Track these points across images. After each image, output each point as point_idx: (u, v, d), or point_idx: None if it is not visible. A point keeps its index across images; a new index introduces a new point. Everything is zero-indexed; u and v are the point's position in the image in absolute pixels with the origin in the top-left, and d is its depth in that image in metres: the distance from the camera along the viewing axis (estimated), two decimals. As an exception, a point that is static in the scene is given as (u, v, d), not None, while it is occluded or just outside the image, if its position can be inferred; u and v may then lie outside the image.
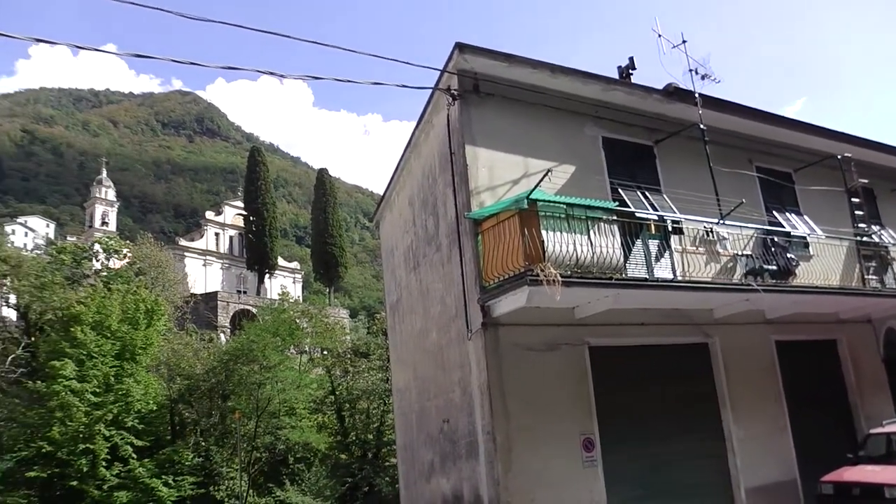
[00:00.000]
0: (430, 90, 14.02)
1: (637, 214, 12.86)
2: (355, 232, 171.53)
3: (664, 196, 14.16)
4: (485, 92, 13.15)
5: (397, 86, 12.72)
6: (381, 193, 21.05)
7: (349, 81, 12.31)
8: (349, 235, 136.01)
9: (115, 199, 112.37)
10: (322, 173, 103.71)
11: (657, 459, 12.86)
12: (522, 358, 11.93)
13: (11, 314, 46.91)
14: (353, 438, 35.81)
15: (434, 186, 14.95)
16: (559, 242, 11.01)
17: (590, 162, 13.83)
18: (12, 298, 44.20)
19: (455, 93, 13.08)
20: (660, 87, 14.53)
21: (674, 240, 13.78)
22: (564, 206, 11.37)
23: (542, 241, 10.76)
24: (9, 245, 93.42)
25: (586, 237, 11.36)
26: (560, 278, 10.17)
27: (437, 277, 14.83)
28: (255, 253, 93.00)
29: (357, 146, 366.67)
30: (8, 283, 45.15)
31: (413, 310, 17.30)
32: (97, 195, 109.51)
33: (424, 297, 16.07)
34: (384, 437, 34.67)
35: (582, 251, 11.17)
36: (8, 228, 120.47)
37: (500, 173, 12.85)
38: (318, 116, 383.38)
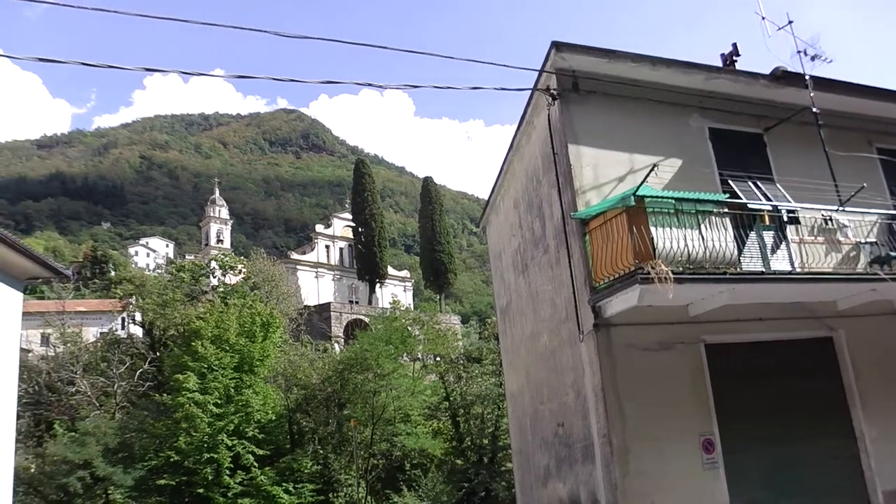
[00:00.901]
0: (529, 91, 13.93)
1: (749, 205, 12.37)
2: (463, 238, 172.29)
3: (777, 185, 13.60)
4: (585, 89, 12.96)
5: (496, 89, 12.68)
6: (487, 198, 21.02)
7: (448, 88, 12.41)
8: (457, 241, 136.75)
9: (228, 217, 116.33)
10: (427, 181, 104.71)
11: (782, 461, 12.31)
12: (636, 358, 11.66)
13: (138, 331, 49.11)
14: (469, 444, 35.87)
15: (539, 188, 14.83)
16: (669, 238, 10.72)
17: (697, 154, 13.42)
18: (138, 316, 46.32)
19: (554, 92, 12.95)
20: (767, 71, 13.99)
21: (790, 230, 13.20)
22: (673, 201, 11.07)
23: (652, 238, 10.50)
24: (133, 266, 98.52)
25: (697, 232, 11.03)
26: (672, 275, 9.90)
27: (546, 279, 14.69)
28: (365, 263, 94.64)
29: (460, 153, 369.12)
30: (133, 302, 47.35)
31: (523, 313, 17.19)
32: (211, 214, 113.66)
33: (534, 299, 15.94)
34: (499, 442, 34.60)
35: (693, 246, 10.85)
36: (131, 250, 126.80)
37: (605, 171, 12.63)
38: (419, 126, 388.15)
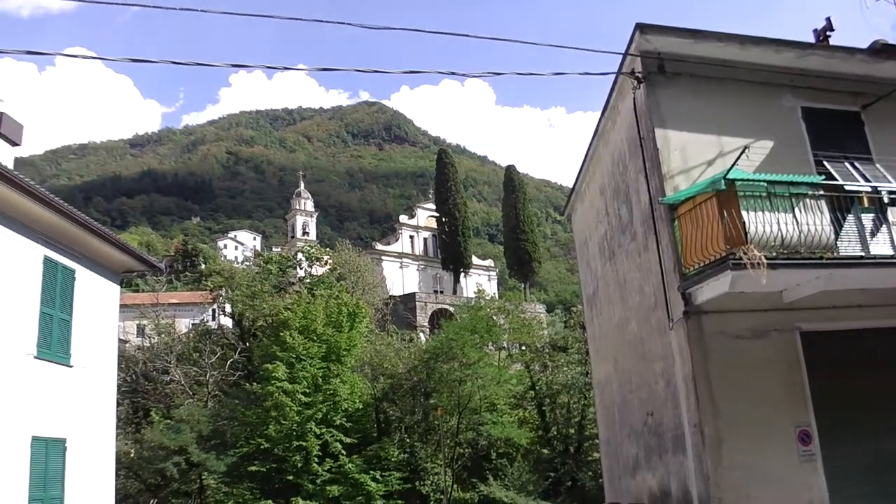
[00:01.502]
0: (614, 75, 13.67)
1: (846, 187, 11.87)
2: (547, 226, 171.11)
3: (877, 166, 12.98)
4: (671, 72, 12.64)
5: (579, 74, 12.52)
6: (571, 186, 20.77)
7: (531, 74, 12.30)
8: (541, 230, 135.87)
9: (313, 210, 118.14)
10: (510, 170, 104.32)
11: (887, 454, 11.78)
12: (728, 346, 11.34)
13: (228, 322, 50.33)
14: (555, 433, 35.68)
15: (625, 174, 14.57)
16: (761, 223, 10.37)
17: (789, 135, 12.94)
18: (228, 307, 47.49)
19: (639, 76, 12.68)
20: (864, 46, 13.36)
21: (891, 212, 12.60)
22: (765, 184, 10.70)
23: (743, 223, 10.18)
24: (222, 258, 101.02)
25: (791, 215, 10.63)
26: (765, 260, 9.59)
27: (634, 266, 14.43)
28: (450, 253, 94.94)
29: (543, 141, 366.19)
30: (223, 294, 48.56)
31: (610, 301, 16.94)
32: (297, 207, 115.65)
33: (621, 287, 15.70)
34: (586, 432, 34.30)
35: (787, 230, 10.47)
36: (220, 243, 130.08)
37: (693, 155, 12.31)
38: (501, 114, 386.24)
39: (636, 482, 15.15)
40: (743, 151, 11.08)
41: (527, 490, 30.78)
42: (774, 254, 10.10)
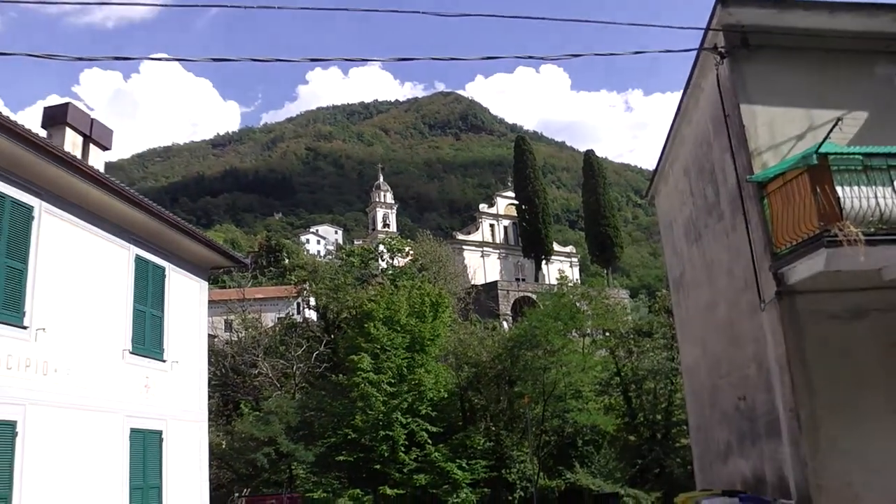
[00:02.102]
0: (695, 52, 13.27)
1: (950, 157, 11.25)
2: (628, 210, 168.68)
3: (982, 133, 12.29)
4: (755, 45, 12.19)
5: (659, 52, 12.18)
6: (652, 168, 20.34)
7: (609, 54, 12.03)
8: (622, 215, 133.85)
9: (393, 202, 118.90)
10: (588, 155, 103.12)
11: None
12: (824, 327, 10.90)
13: (313, 315, 51.16)
14: (641, 419, 35.17)
15: (710, 152, 14.16)
16: (857, 197, 9.90)
17: (886, 104, 12.32)
18: (312, 301, 48.28)
19: (722, 51, 12.27)
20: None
21: None
22: (860, 157, 10.21)
23: (838, 198, 9.74)
24: (305, 253, 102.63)
25: (889, 189, 10.12)
26: (862, 237, 9.17)
27: (722, 247, 14.02)
28: (530, 240, 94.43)
29: (620, 124, 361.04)
30: (307, 287, 49.38)
31: (698, 284, 16.53)
32: (376, 200, 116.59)
33: (709, 269, 15.29)
34: (673, 418, 33.73)
35: (886, 205, 9.97)
36: (303, 238, 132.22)
37: (782, 130, 11.87)
38: (577, 99, 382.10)
39: (728, 469, 14.77)
40: (836, 124, 10.63)
41: (614, 477, 30.46)
42: (872, 229, 9.64)
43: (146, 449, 16.18)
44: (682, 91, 15.12)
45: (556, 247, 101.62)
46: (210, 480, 19.53)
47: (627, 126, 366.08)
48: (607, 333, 42.04)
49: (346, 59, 8.56)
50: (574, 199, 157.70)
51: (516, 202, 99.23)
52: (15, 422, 12.58)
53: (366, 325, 31.33)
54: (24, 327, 13.04)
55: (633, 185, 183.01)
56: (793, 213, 10.22)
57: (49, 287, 13.68)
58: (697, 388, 17.53)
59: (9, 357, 12.61)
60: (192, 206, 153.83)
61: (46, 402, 13.32)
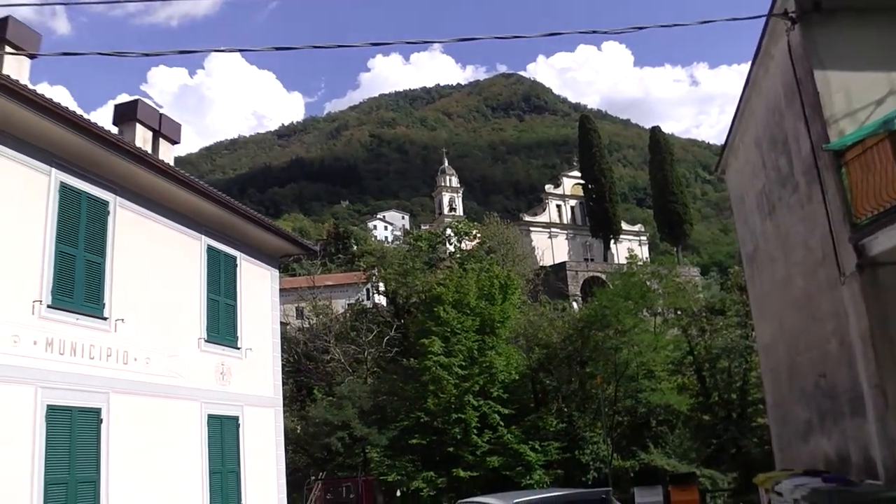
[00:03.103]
0: (764, 19, 12.85)
1: None
2: (696, 186, 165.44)
3: None
4: (828, 7, 11.72)
5: (727, 20, 11.80)
6: (721, 143, 19.86)
7: (674, 25, 11.73)
8: (690, 191, 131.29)
9: (458, 186, 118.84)
10: (655, 131, 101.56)
11: None
12: (910, 300, 10.49)
13: (382, 300, 51.57)
14: (716, 399, 34.55)
15: (782, 122, 13.73)
16: (943, 163, 9.49)
17: (972, 65, 11.77)
18: (381, 286, 48.65)
19: (793, 16, 11.85)
20: None
21: None
22: (945, 121, 9.77)
23: (923, 164, 9.34)
24: (373, 239, 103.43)
25: (977, 153, 9.67)
26: (949, 204, 8.79)
27: (797, 220, 13.60)
28: (598, 219, 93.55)
29: (686, 99, 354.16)
30: (376, 273, 49.78)
31: (772, 258, 16.10)
32: (442, 184, 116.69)
33: (784, 242, 14.86)
34: (749, 397, 33.06)
35: (973, 170, 9.53)
36: (370, 224, 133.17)
37: (859, 95, 11.41)
38: (641, 75, 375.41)
39: (809, 448, 14.40)
40: (917, 87, 10.19)
41: (689, 457, 30.01)
42: (959, 196, 9.23)
43: (223, 434, 16.54)
44: (750, 61, 14.70)
45: (624, 225, 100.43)
46: (286, 465, 19.88)
47: (693, 101, 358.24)
48: (679, 312, 41.36)
49: (407, 42, 8.52)
50: (641, 177, 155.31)
51: (582, 182, 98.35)
52: (99, 409, 12.98)
53: (435, 309, 31.42)
54: (105, 318, 13.41)
55: (701, 160, 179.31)
56: (873, 182, 9.85)
57: (126, 279, 14.04)
58: (774, 365, 17.12)
59: (91, 347, 13.00)
60: (260, 197, 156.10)
61: (128, 390, 13.71)
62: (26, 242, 12.13)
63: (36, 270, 12.20)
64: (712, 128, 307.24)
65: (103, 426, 13.01)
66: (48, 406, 11.97)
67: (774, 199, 15.18)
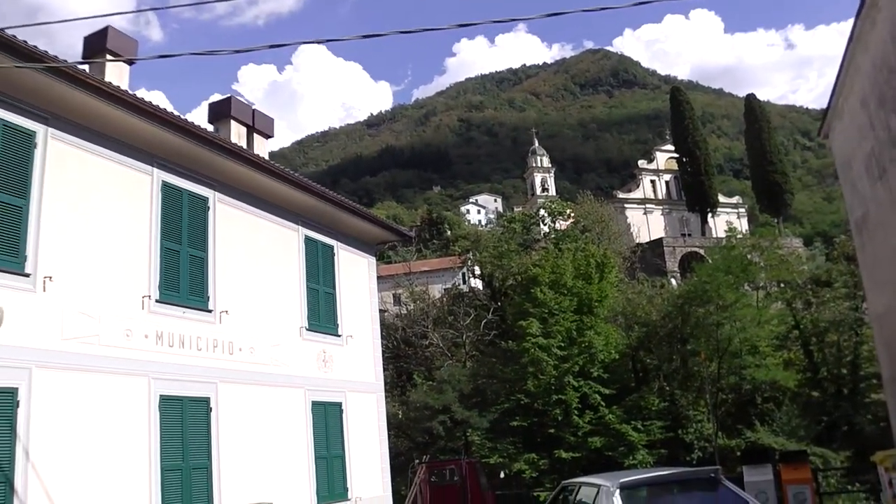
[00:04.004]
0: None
1: None
2: (796, 154, 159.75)
3: None
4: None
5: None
6: (822, 106, 19.03)
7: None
8: (789, 159, 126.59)
9: (549, 166, 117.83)
10: (750, 99, 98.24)
11: None
12: None
13: (478, 284, 51.72)
14: (825, 374, 33.33)
15: (891, 79, 13.02)
16: None
17: None
18: (477, 270, 48.79)
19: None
20: None
21: None
22: None
23: None
24: (466, 223, 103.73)
25: None
26: None
27: (910, 182, 12.91)
28: (694, 193, 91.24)
29: (782, 64, 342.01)
30: (471, 257, 49.93)
31: (884, 224, 15.34)
32: (533, 165, 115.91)
33: (897, 207, 14.14)
34: (860, 371, 31.75)
35: None
36: (463, 209, 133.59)
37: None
38: (732, 42, 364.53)
39: (932, 421, 13.75)
40: None
41: (797, 435, 29.06)
42: None
43: (327, 420, 16.89)
44: (854, 16, 13.98)
45: (721, 198, 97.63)
46: (389, 449, 20.17)
47: (789, 65, 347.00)
48: (782, 285, 40.04)
49: (494, 21, 8.37)
50: (737, 148, 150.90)
51: (676, 155, 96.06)
52: (208, 398, 13.42)
53: (532, 290, 31.26)
54: (209, 311, 13.83)
55: (800, 126, 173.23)
56: None
57: (227, 272, 14.45)
58: (890, 337, 16.37)
59: (198, 339, 13.43)
60: (352, 187, 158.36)
61: (234, 380, 14.13)
62: (134, 240, 12.60)
63: (143, 267, 12.67)
64: (811, 92, 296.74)
65: (213, 414, 13.45)
66: (161, 396, 12.44)
67: (885, 161, 14.45)
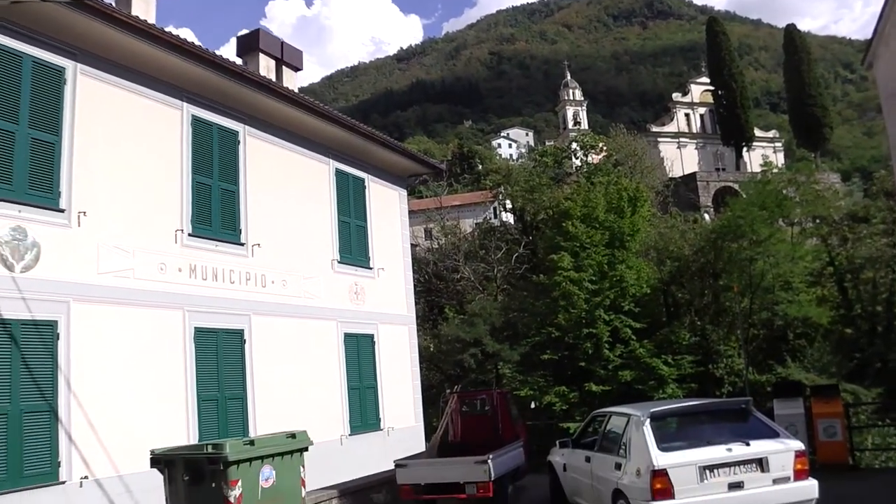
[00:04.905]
0: None
1: None
2: (836, 87, 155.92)
3: None
4: None
5: None
6: (867, 36, 18.44)
7: None
8: (829, 92, 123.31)
9: (582, 99, 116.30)
10: (789, 30, 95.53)
11: None
12: None
13: (509, 218, 51.62)
14: (859, 311, 33.02)
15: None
16: None
17: None
18: (508, 204, 48.64)
19: None
20: None
21: None
22: None
23: None
24: (497, 157, 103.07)
25: None
26: None
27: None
28: (729, 127, 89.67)
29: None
30: (502, 191, 49.72)
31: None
32: (565, 98, 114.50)
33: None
34: (895, 310, 31.47)
35: None
36: (494, 143, 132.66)
37: None
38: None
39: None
40: None
41: (829, 372, 28.94)
42: None
43: (360, 352, 17.15)
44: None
45: (757, 132, 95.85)
46: (420, 381, 20.47)
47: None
48: (818, 221, 39.46)
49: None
50: (775, 80, 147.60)
51: (712, 88, 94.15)
52: (242, 330, 13.66)
53: (564, 224, 31.05)
54: (241, 244, 13.98)
55: (842, 58, 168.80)
56: None
57: (259, 205, 14.56)
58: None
59: (231, 272, 13.62)
60: (383, 122, 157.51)
61: (267, 312, 14.35)
62: (165, 175, 12.70)
63: (176, 201, 12.79)
64: (854, 22, 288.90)
65: (246, 346, 13.71)
66: (195, 328, 12.68)
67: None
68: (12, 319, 9.89)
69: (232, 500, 8.45)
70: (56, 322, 10.46)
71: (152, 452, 9.13)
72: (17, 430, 9.68)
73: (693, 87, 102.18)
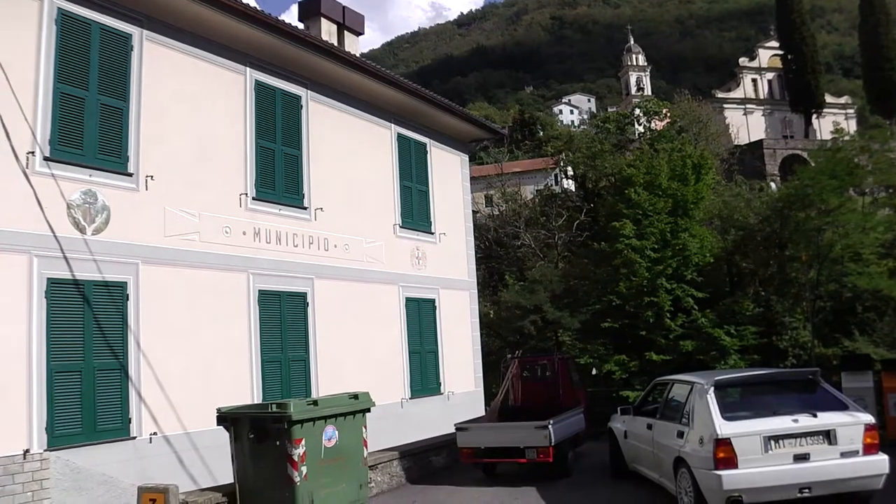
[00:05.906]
0: None
1: None
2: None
3: None
4: None
5: None
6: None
7: None
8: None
9: (645, 64, 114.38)
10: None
11: None
12: None
13: (571, 185, 51.16)
14: (933, 284, 32.05)
15: None
16: None
17: None
18: (569, 170, 48.16)
19: None
20: None
21: None
22: None
23: None
24: (559, 123, 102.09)
25: None
26: None
27: None
28: (798, 92, 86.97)
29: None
30: (564, 158, 49.25)
31: None
32: (628, 63, 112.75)
33: None
34: (973, 281, 30.36)
35: None
36: (555, 109, 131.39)
37: None
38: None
39: None
40: None
41: (901, 346, 28.20)
42: None
43: (421, 316, 17.25)
44: None
45: (828, 98, 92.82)
46: (480, 347, 20.51)
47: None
48: (891, 190, 38.25)
49: None
50: (849, 44, 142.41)
51: (781, 52, 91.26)
52: (305, 293, 13.85)
53: (626, 191, 30.58)
54: (304, 208, 14.11)
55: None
56: None
57: (322, 170, 14.65)
58: None
59: (294, 236, 13.77)
60: (443, 88, 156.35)
61: (330, 276, 14.50)
62: (229, 140, 12.85)
63: (240, 165, 12.94)
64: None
65: (309, 309, 13.89)
66: (259, 291, 12.89)
67: None
68: (85, 280, 10.18)
69: (296, 458, 8.60)
70: (126, 283, 10.74)
71: (219, 410, 9.35)
72: (91, 387, 10.02)
73: (761, 51, 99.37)
